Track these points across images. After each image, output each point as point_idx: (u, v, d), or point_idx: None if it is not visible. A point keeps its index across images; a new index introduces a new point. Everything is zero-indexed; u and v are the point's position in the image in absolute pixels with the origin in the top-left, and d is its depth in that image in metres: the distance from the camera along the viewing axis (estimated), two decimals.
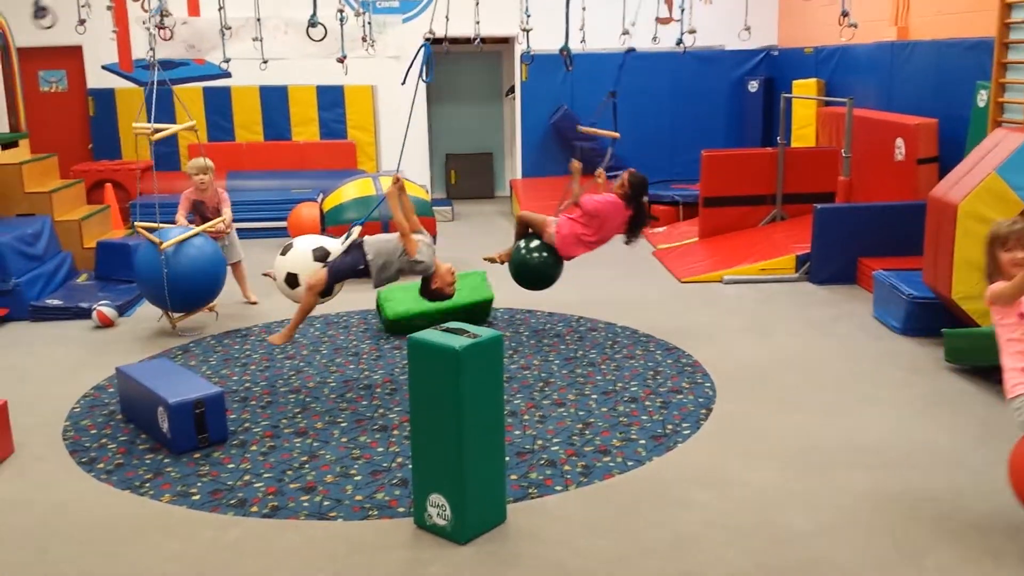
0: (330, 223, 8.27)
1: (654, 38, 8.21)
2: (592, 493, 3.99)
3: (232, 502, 3.94)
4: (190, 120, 6.45)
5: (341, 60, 7.79)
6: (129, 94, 10.94)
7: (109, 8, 8.00)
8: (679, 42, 7.98)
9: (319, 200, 9.06)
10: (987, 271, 3.55)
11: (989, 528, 3.58)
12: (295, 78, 11.23)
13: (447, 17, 6.34)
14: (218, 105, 11.37)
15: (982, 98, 7.00)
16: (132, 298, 7.14)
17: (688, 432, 4.60)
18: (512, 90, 12.41)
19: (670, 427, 4.66)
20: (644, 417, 4.80)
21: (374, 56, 9.32)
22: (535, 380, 5.39)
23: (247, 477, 4.18)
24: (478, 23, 7.18)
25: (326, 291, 5.22)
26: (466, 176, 13.10)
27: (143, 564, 3.48)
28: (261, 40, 7.76)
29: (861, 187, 8.16)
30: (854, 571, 3.33)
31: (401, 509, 3.84)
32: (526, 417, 4.82)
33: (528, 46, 7.08)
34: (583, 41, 8.23)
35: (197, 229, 6.48)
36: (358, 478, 4.14)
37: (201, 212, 7.02)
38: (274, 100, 11.48)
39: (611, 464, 4.24)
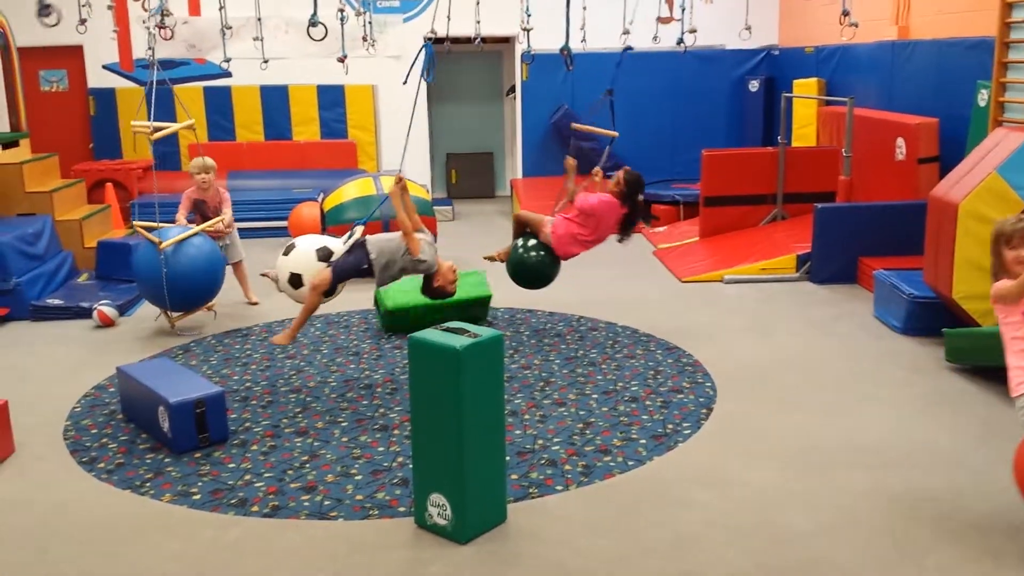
0: (331, 223, 8.28)
1: (655, 37, 8.20)
2: (593, 493, 3.99)
3: (233, 502, 3.94)
4: (189, 119, 6.45)
5: (342, 60, 7.79)
6: (130, 94, 10.94)
7: (110, 8, 8.01)
8: (680, 41, 7.98)
9: (319, 200, 9.06)
10: (992, 269, 3.53)
11: (989, 528, 3.58)
12: (296, 78, 11.23)
13: (448, 17, 6.34)
14: (219, 105, 11.37)
15: (983, 97, 7.00)
16: (133, 298, 7.14)
17: (688, 432, 4.60)
18: (513, 90, 12.40)
19: (670, 427, 4.66)
20: (645, 417, 4.80)
21: (375, 56, 9.34)
22: (536, 380, 5.39)
23: (248, 477, 4.18)
24: (479, 23, 7.19)
25: (329, 291, 5.23)
26: (467, 175, 13.10)
27: (143, 564, 3.49)
28: (262, 40, 7.75)
29: (862, 187, 8.16)
30: (854, 571, 3.33)
31: (402, 509, 3.84)
32: (527, 417, 4.82)
33: (529, 46, 7.08)
34: (584, 41, 8.22)
35: (196, 228, 6.47)
36: (359, 478, 4.15)
37: (202, 212, 7.01)
38: (275, 100, 11.47)
39: (612, 464, 4.24)
